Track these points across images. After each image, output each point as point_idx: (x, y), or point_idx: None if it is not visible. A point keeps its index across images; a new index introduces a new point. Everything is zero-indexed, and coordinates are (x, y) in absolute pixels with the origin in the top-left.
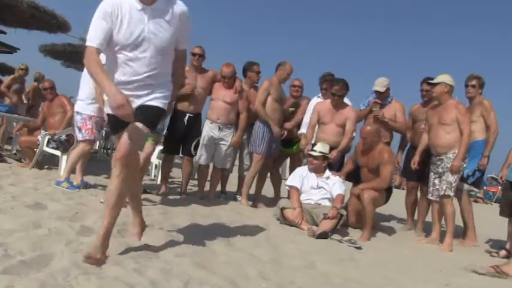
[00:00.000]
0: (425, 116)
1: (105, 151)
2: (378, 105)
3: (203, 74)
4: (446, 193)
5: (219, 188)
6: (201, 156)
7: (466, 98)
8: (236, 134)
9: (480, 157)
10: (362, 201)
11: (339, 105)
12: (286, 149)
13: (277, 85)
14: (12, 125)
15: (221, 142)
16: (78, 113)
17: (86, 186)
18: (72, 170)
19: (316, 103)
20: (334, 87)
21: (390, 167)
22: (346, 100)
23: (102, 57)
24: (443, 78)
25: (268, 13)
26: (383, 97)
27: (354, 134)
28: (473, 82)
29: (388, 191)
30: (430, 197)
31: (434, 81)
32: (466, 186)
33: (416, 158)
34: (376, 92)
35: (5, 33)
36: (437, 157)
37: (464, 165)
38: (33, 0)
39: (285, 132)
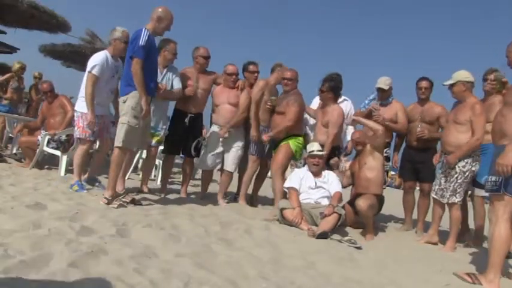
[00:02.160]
0: (420, 116)
1: None
2: (379, 110)
3: (205, 75)
4: (450, 201)
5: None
6: (206, 160)
7: (483, 92)
8: (224, 126)
9: None
10: (359, 210)
11: (326, 104)
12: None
13: (272, 87)
14: (12, 125)
15: (233, 144)
16: (75, 111)
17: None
18: (68, 170)
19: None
20: (324, 85)
21: (380, 155)
22: (345, 99)
23: None
24: (459, 76)
25: (268, 11)
26: (385, 96)
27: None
28: (492, 76)
29: (380, 201)
30: (434, 195)
31: (450, 82)
32: (485, 193)
33: (437, 156)
34: (379, 89)
35: (5, 33)
36: (446, 155)
37: (473, 169)
38: (33, 0)
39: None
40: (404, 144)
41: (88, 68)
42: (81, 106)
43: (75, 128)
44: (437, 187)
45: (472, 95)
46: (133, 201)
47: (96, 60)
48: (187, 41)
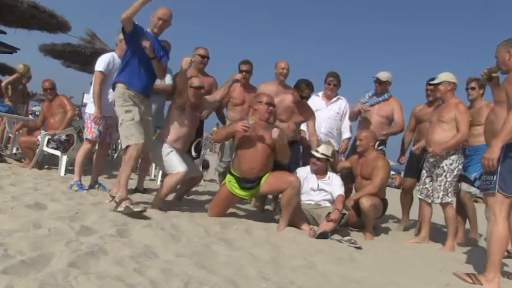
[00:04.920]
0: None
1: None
2: (367, 111)
3: (206, 77)
4: (444, 201)
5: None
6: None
7: (468, 101)
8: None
9: None
10: (362, 208)
11: (302, 106)
12: None
13: (277, 87)
14: (12, 125)
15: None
16: (85, 113)
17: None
18: (68, 170)
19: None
20: (305, 91)
21: (383, 173)
22: (339, 98)
23: None
24: (445, 77)
25: (269, 15)
26: (382, 89)
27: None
28: (473, 84)
29: (384, 205)
30: (419, 195)
31: (436, 81)
32: (472, 189)
33: (420, 144)
34: (377, 80)
35: (5, 33)
36: (431, 154)
37: (459, 167)
38: (34, 0)
39: None
40: (412, 145)
41: (95, 68)
42: (89, 107)
43: (85, 130)
44: (421, 187)
45: (454, 96)
46: (143, 213)
47: (103, 59)
48: (190, 43)
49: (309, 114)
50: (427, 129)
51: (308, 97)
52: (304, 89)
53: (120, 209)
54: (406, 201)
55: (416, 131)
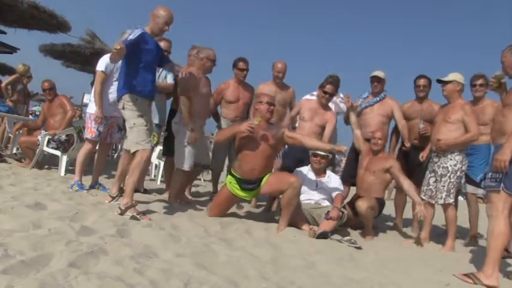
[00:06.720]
0: (421, 114)
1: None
2: (357, 107)
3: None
4: (446, 202)
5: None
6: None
7: (473, 97)
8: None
9: None
10: (359, 211)
11: (325, 105)
12: None
13: (275, 88)
14: (12, 125)
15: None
16: (86, 113)
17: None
18: (68, 170)
19: (303, 98)
20: (328, 86)
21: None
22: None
23: None
24: (455, 76)
25: (267, 11)
26: (380, 87)
27: None
28: (481, 81)
29: (380, 204)
30: (422, 196)
31: (446, 78)
32: (479, 191)
33: (425, 153)
34: (374, 77)
35: (5, 33)
36: (436, 153)
37: (463, 168)
38: (34, 0)
39: None
40: (400, 144)
41: (97, 68)
42: (90, 107)
43: (86, 130)
44: (425, 188)
45: (461, 97)
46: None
47: (105, 59)
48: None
49: (329, 116)
50: (433, 129)
51: (331, 93)
52: (325, 84)
53: (127, 215)
54: (401, 201)
55: (406, 129)
